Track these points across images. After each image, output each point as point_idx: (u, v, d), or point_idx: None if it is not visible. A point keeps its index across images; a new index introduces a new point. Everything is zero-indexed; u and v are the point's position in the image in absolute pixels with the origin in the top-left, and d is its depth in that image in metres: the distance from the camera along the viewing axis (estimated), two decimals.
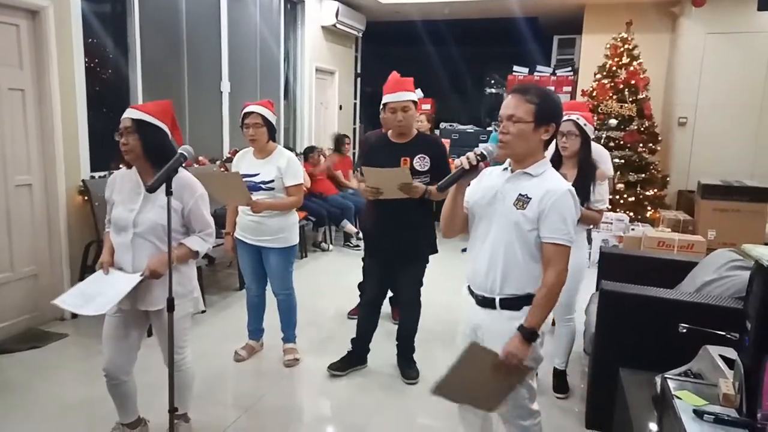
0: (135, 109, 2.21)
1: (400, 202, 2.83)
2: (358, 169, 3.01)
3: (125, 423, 2.46)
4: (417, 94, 3.00)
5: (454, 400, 1.98)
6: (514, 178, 1.89)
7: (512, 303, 1.87)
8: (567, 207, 1.81)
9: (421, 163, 2.90)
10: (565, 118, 2.74)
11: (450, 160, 2.94)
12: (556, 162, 2.82)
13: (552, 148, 2.70)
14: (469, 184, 1.93)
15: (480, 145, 1.97)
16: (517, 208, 1.83)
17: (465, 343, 1.99)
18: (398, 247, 2.99)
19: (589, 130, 2.91)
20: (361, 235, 6.11)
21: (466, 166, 1.83)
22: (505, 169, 1.94)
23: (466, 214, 1.99)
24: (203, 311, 2.53)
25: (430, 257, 3.14)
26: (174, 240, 2.23)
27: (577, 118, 2.86)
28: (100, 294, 2.16)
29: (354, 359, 3.30)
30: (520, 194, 1.84)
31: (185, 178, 2.27)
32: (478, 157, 1.83)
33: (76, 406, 2.82)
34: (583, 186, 2.76)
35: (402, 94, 2.87)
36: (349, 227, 6.29)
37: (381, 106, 2.99)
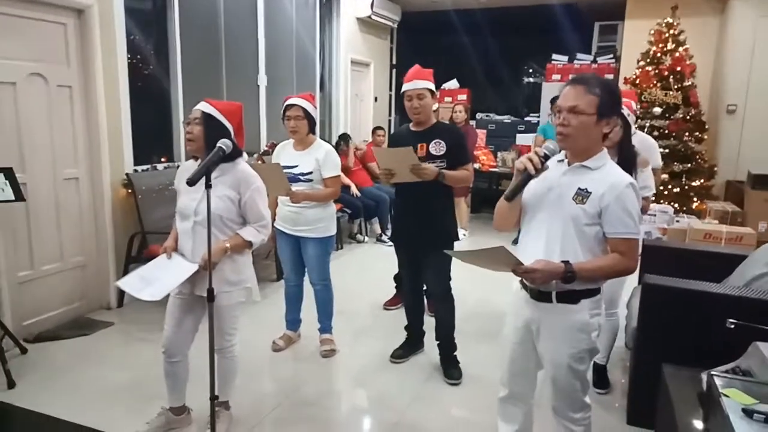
0: (207, 103, 2.34)
1: (419, 189, 2.88)
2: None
3: (172, 407, 2.55)
4: (452, 84, 3.02)
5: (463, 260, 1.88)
6: (572, 172, 1.83)
7: (570, 296, 1.82)
8: (630, 200, 1.76)
9: (437, 147, 2.95)
10: None
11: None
12: None
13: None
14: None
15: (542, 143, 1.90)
16: (577, 203, 1.78)
17: (516, 336, 1.97)
18: (421, 233, 3.02)
19: (631, 119, 2.86)
20: (389, 233, 6.14)
21: (532, 172, 1.77)
22: (561, 161, 1.86)
23: (521, 209, 1.93)
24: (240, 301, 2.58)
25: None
26: (231, 230, 2.36)
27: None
28: (158, 279, 2.28)
29: (411, 345, 3.40)
30: (579, 188, 1.79)
31: (244, 171, 2.38)
32: (542, 159, 1.77)
33: (121, 390, 2.94)
34: None
35: (417, 82, 2.97)
36: (375, 227, 6.28)
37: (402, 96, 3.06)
